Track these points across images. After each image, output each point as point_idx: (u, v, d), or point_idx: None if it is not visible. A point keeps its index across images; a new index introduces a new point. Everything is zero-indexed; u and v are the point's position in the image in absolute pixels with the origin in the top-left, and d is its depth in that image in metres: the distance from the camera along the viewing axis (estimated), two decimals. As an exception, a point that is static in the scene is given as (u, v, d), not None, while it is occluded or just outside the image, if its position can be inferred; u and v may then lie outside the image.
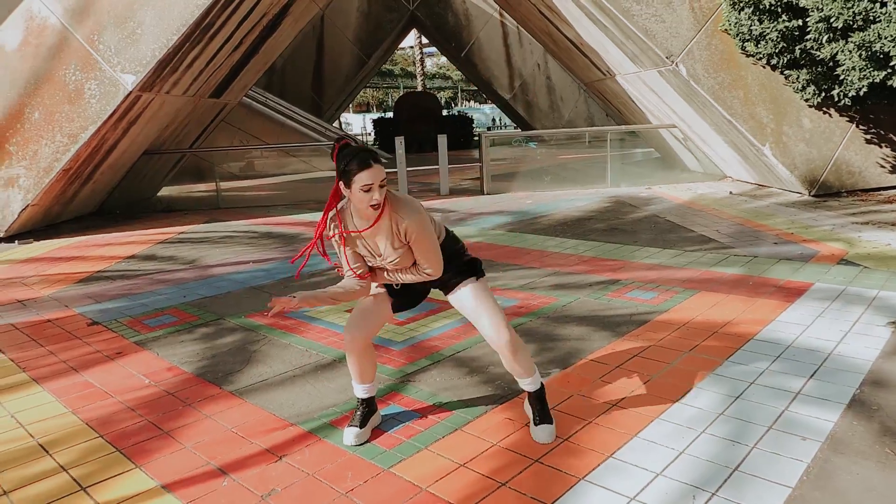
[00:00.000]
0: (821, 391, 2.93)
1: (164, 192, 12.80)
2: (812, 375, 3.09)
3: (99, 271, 6.26)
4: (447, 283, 2.62)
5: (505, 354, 2.54)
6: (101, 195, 10.16)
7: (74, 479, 2.50)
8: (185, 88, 9.48)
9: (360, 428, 2.71)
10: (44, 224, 8.96)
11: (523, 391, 2.79)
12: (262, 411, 3.03)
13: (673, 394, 2.98)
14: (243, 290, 5.30)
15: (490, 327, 2.52)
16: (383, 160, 2.46)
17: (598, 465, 2.42)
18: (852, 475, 2.29)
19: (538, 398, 2.69)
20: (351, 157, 2.32)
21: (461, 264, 2.62)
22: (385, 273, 2.58)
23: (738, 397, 2.91)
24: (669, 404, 2.88)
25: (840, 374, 3.09)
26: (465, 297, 2.58)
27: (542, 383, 2.70)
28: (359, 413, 2.75)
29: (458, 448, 2.60)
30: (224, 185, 11.70)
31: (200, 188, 13.33)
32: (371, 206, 2.32)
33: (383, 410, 2.95)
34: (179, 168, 12.78)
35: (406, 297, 2.72)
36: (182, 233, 8.34)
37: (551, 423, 2.67)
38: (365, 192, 2.30)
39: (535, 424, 2.66)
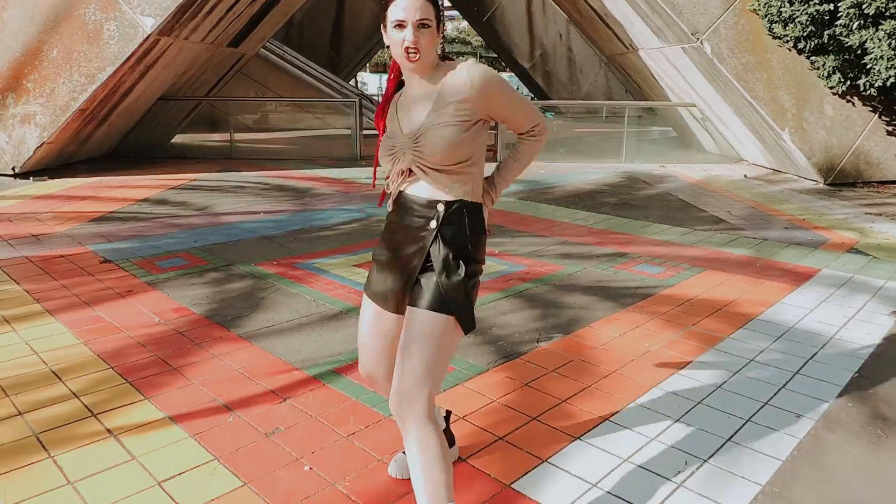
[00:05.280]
0: (819, 373, 2.97)
1: (178, 139, 12.80)
2: (812, 357, 3.13)
3: (111, 212, 6.32)
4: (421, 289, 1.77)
5: (393, 407, 1.73)
6: (115, 138, 10.17)
7: (86, 406, 2.58)
8: (204, 35, 9.41)
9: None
10: (59, 163, 8.99)
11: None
12: (269, 355, 3.10)
13: (672, 365, 3.02)
14: (254, 238, 5.35)
15: (420, 366, 1.71)
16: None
17: (594, 427, 2.48)
18: (843, 453, 2.33)
19: None
20: None
21: (460, 283, 1.75)
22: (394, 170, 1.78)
23: (737, 373, 2.95)
24: (668, 375, 2.92)
25: (839, 358, 3.13)
26: (427, 321, 1.74)
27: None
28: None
29: (458, 402, 2.66)
30: (238, 135, 11.67)
31: (214, 137, 13.31)
32: (405, 49, 1.68)
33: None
34: (194, 116, 12.76)
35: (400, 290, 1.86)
36: (195, 180, 8.38)
37: None
38: (397, 31, 1.69)
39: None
